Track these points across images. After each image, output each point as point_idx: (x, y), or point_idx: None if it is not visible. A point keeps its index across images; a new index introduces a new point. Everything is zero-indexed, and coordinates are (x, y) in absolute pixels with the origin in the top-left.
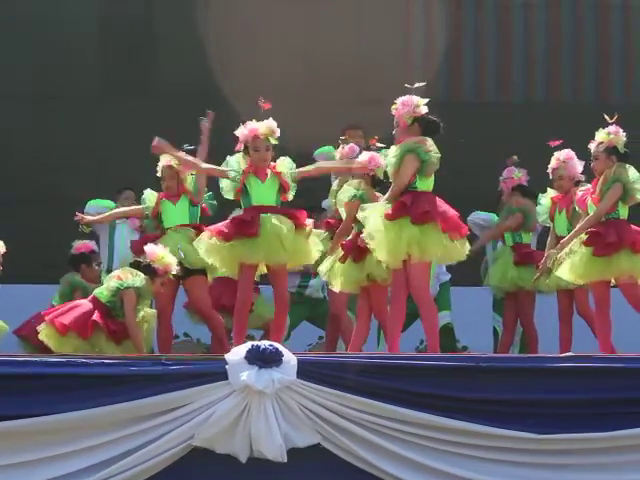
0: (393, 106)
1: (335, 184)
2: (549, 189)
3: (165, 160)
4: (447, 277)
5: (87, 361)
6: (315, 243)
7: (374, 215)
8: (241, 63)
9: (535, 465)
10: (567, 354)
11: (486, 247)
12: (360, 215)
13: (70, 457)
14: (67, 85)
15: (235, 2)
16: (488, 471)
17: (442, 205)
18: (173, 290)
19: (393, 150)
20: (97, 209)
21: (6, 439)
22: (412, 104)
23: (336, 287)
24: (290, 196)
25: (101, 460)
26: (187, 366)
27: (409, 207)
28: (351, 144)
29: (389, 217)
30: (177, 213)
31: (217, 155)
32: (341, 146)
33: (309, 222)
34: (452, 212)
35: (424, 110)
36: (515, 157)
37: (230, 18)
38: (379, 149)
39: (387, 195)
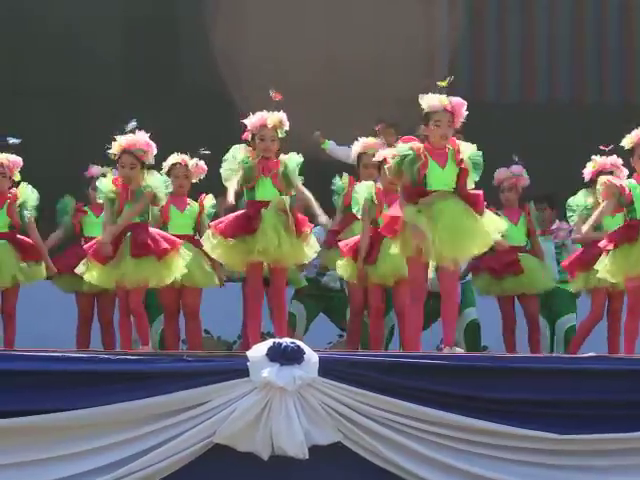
0: (446, 102)
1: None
2: (581, 192)
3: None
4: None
5: (109, 357)
6: (311, 245)
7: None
8: (261, 64)
9: (556, 466)
10: (589, 354)
11: None
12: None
13: (90, 454)
14: (91, 84)
15: (255, 4)
16: (508, 471)
17: None
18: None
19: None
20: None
21: (25, 435)
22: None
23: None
24: (292, 192)
25: (122, 457)
26: (208, 363)
27: None
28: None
29: None
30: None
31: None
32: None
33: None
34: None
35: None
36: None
37: (248, 20)
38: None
39: None
